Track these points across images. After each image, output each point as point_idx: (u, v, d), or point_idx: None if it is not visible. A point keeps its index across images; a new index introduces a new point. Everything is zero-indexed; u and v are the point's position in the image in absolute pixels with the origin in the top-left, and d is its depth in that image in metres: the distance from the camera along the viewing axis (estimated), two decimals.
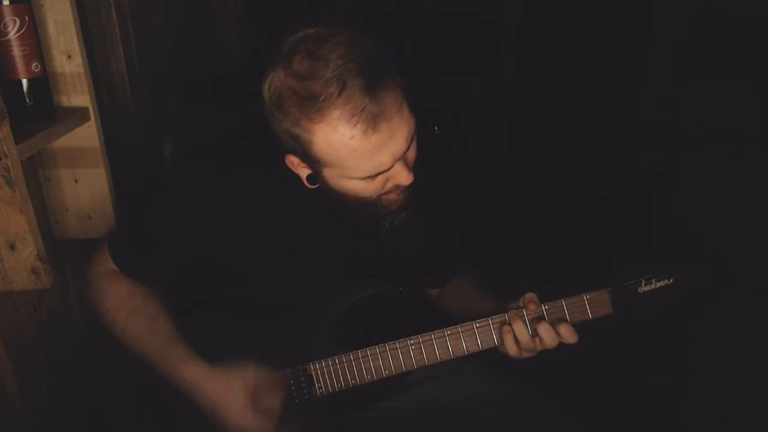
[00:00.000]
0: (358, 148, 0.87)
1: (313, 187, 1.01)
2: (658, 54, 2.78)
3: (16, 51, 0.99)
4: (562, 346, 0.99)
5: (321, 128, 0.87)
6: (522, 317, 0.98)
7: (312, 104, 0.85)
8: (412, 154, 0.95)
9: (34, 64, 1.01)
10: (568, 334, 0.96)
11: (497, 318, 1.00)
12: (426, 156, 1.07)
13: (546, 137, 3.41)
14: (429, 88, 3.33)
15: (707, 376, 1.86)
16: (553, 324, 0.97)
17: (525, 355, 0.99)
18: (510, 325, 0.98)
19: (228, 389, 1.00)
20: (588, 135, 3.28)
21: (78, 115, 1.12)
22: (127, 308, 1.06)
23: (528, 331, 0.97)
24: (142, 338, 1.04)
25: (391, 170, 0.92)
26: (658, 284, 0.98)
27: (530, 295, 1.00)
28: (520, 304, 1.00)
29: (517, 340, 0.97)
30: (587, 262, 1.04)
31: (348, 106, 0.84)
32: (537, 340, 0.98)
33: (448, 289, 1.27)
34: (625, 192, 2.88)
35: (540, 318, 0.98)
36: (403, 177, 0.94)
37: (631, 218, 2.71)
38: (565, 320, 0.98)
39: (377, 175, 0.92)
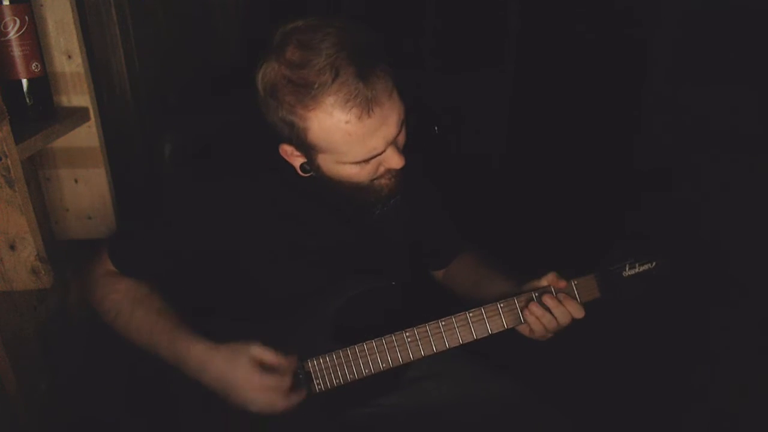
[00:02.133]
0: (353, 132, 0.90)
1: (306, 175, 1.03)
2: (658, 53, 2.78)
3: (16, 51, 0.98)
4: (561, 339, 1.04)
5: (316, 114, 0.89)
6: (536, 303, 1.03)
7: (306, 91, 0.88)
8: (402, 139, 0.98)
9: (34, 64, 1.01)
10: (575, 309, 1.01)
11: (490, 307, 1.03)
12: (426, 155, 1.09)
13: (545, 136, 3.41)
14: (428, 85, 3.34)
15: (706, 375, 1.86)
16: (561, 300, 1.02)
17: (544, 333, 1.03)
18: (529, 309, 1.02)
19: (234, 363, 1.01)
20: (588, 134, 3.28)
21: (78, 115, 1.12)
22: (134, 298, 1.08)
23: (548, 313, 1.02)
24: (150, 324, 1.05)
25: (383, 154, 0.95)
26: (642, 268, 1.03)
27: (554, 275, 1.04)
28: (543, 283, 1.04)
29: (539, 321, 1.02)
30: (584, 259, 1.07)
31: (342, 92, 0.87)
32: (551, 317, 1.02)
33: (455, 271, 1.29)
34: (624, 192, 2.88)
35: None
36: (395, 161, 0.97)
37: (631, 218, 2.71)
38: (572, 297, 1.03)
39: (370, 159, 0.95)
